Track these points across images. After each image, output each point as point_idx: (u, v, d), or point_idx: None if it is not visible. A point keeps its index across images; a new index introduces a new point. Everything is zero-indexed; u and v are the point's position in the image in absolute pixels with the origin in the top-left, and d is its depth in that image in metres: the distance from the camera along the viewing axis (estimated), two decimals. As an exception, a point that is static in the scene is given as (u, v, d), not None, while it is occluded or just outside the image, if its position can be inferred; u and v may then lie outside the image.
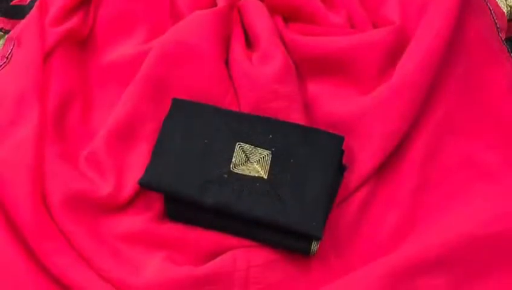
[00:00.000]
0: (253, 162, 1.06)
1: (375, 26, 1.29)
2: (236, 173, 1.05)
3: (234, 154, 1.07)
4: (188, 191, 1.04)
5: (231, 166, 1.06)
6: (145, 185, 1.07)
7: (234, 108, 1.18)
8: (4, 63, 1.23)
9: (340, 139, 1.09)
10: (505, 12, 1.29)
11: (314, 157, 1.07)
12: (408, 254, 1.00)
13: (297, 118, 1.15)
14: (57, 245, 1.01)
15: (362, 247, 1.07)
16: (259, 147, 1.07)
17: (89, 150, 1.13)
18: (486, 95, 1.19)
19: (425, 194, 1.10)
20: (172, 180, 1.06)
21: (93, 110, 1.23)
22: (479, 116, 1.17)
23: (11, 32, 1.29)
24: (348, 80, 1.22)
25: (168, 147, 1.09)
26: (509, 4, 1.30)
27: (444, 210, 1.08)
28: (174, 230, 1.06)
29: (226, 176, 1.05)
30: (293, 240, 1.02)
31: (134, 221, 1.07)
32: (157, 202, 1.09)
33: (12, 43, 1.25)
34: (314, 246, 1.02)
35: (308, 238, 1.02)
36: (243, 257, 1.02)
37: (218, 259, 1.02)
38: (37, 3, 1.28)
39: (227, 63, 1.24)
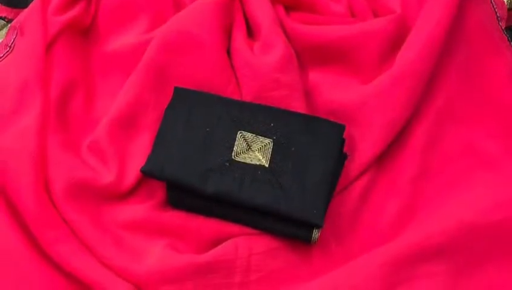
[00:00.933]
0: (254, 150, 1.05)
1: (375, 15, 1.28)
2: (238, 162, 1.04)
3: (236, 143, 1.05)
4: (189, 180, 1.03)
5: (233, 154, 1.04)
6: (147, 173, 1.06)
7: (236, 97, 1.17)
8: (7, 52, 1.22)
9: (341, 128, 1.08)
10: (505, 1, 1.27)
11: (315, 145, 1.06)
12: (408, 242, 0.99)
13: (298, 106, 1.14)
14: (59, 233, 1.00)
15: (363, 235, 1.06)
16: (260, 136, 1.06)
17: (91, 138, 1.12)
18: (487, 83, 1.17)
19: (425, 182, 1.09)
20: (174, 168, 1.04)
21: (95, 99, 1.21)
22: (479, 105, 1.16)
23: (14, 21, 1.27)
24: (348, 68, 1.22)
25: (170, 135, 1.08)
26: (510, -7, 1.28)
27: (444, 198, 1.07)
28: (176, 218, 1.05)
29: (227, 164, 1.04)
30: (294, 228, 1.01)
31: (136, 209, 1.06)
32: (159, 190, 1.08)
33: (15, 32, 1.24)
34: (315, 234, 1.01)
35: (309, 226, 1.01)
36: (244, 244, 1.01)
37: (219, 247, 1.01)
38: (39, -8, 1.26)
39: (229, 52, 1.23)
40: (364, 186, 1.09)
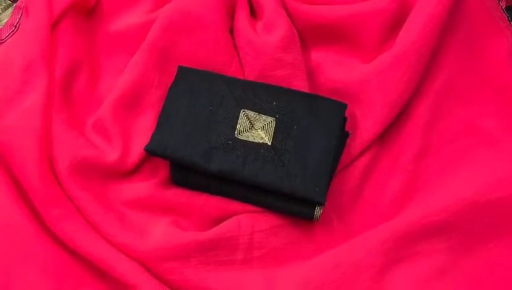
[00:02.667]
0: (257, 128, 1.03)
1: (378, -6, 1.25)
2: (241, 140, 1.02)
3: (239, 121, 1.04)
4: (193, 158, 1.02)
5: (236, 133, 1.03)
6: (151, 152, 1.04)
7: (239, 76, 1.15)
8: (12, 31, 1.20)
9: (343, 106, 1.06)
10: (505, -19, 1.24)
11: (317, 124, 1.04)
12: (410, 219, 0.98)
13: (300, 85, 1.12)
14: (64, 211, 0.98)
15: (365, 212, 1.05)
16: (263, 114, 1.04)
17: (96, 117, 1.11)
18: (487, 63, 1.15)
19: (427, 160, 1.08)
20: (178, 147, 1.03)
21: (99, 78, 1.20)
22: (479, 84, 1.14)
23: (18, 1, 1.25)
24: (350, 48, 1.20)
25: (174, 114, 1.06)
26: (510, -27, 1.25)
27: (445, 176, 1.05)
28: (180, 196, 1.04)
29: (230, 142, 1.02)
30: (297, 205, 1.00)
31: (140, 187, 1.05)
32: (162, 168, 1.06)
33: (20, 12, 1.22)
34: (318, 211, 0.99)
35: (312, 203, 0.99)
36: (247, 222, 1.00)
37: (223, 224, 1.00)
38: (44, -28, 1.23)
39: (232, 32, 1.21)
40: (366, 164, 1.08)
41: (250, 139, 1.02)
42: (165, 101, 1.08)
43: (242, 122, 1.03)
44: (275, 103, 1.05)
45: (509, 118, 1.10)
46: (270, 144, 1.02)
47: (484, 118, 1.11)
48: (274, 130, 1.03)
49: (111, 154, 1.05)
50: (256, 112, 1.04)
